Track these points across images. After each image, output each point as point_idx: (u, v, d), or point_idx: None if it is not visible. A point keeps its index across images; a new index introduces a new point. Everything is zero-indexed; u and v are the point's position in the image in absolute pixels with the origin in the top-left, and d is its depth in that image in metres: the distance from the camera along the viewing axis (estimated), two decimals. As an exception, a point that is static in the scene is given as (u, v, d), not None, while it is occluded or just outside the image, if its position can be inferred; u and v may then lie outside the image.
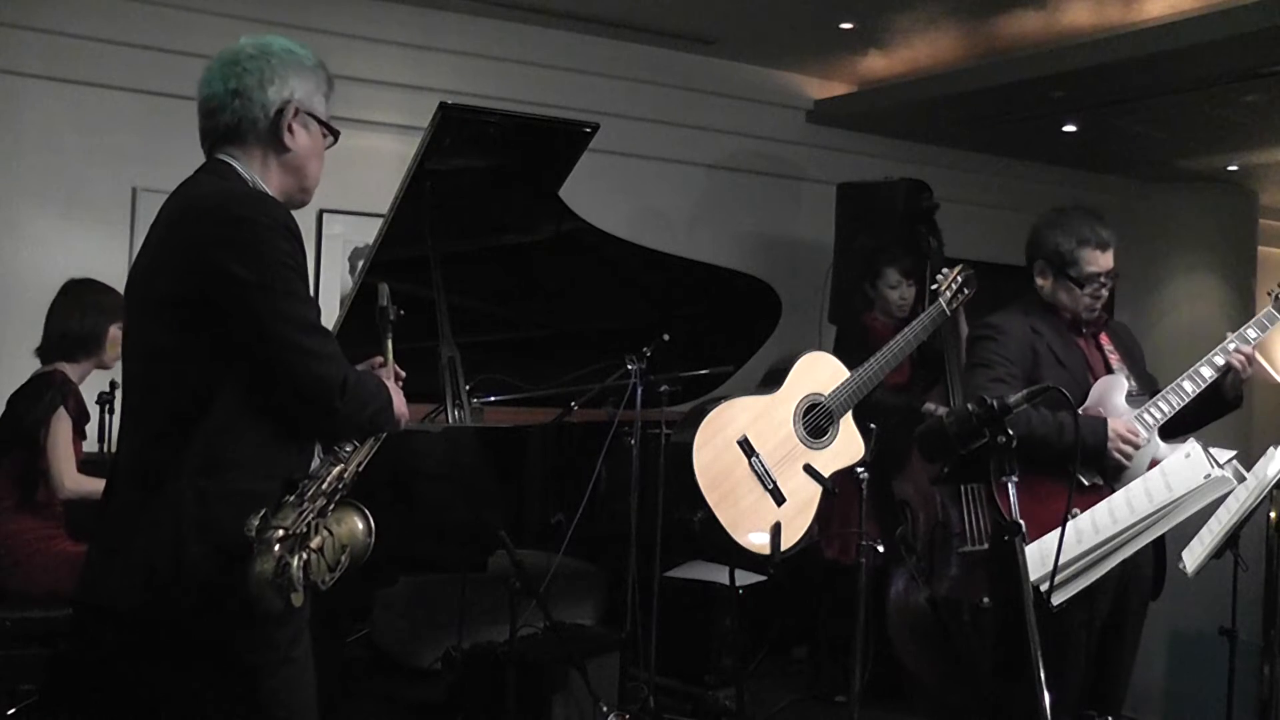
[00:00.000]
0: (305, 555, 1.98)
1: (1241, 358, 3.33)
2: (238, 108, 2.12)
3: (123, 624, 2.05)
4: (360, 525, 2.11)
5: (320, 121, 2.19)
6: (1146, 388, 3.45)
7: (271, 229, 2.03)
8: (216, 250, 2.01)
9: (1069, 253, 3.37)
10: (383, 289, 2.35)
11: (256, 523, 1.95)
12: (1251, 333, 3.38)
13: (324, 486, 2.06)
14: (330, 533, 2.05)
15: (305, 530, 2.00)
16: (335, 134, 2.24)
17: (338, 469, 2.09)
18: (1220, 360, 3.34)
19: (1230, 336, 3.38)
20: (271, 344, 2.02)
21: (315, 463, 2.15)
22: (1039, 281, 3.46)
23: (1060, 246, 3.39)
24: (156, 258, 2.12)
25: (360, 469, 2.14)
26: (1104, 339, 3.51)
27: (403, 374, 2.29)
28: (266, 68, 2.13)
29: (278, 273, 2.01)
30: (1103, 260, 3.39)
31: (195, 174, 2.17)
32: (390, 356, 2.29)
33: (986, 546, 4.23)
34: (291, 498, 2.02)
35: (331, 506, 2.07)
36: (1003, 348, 3.35)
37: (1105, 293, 3.43)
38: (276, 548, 1.95)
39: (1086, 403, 3.35)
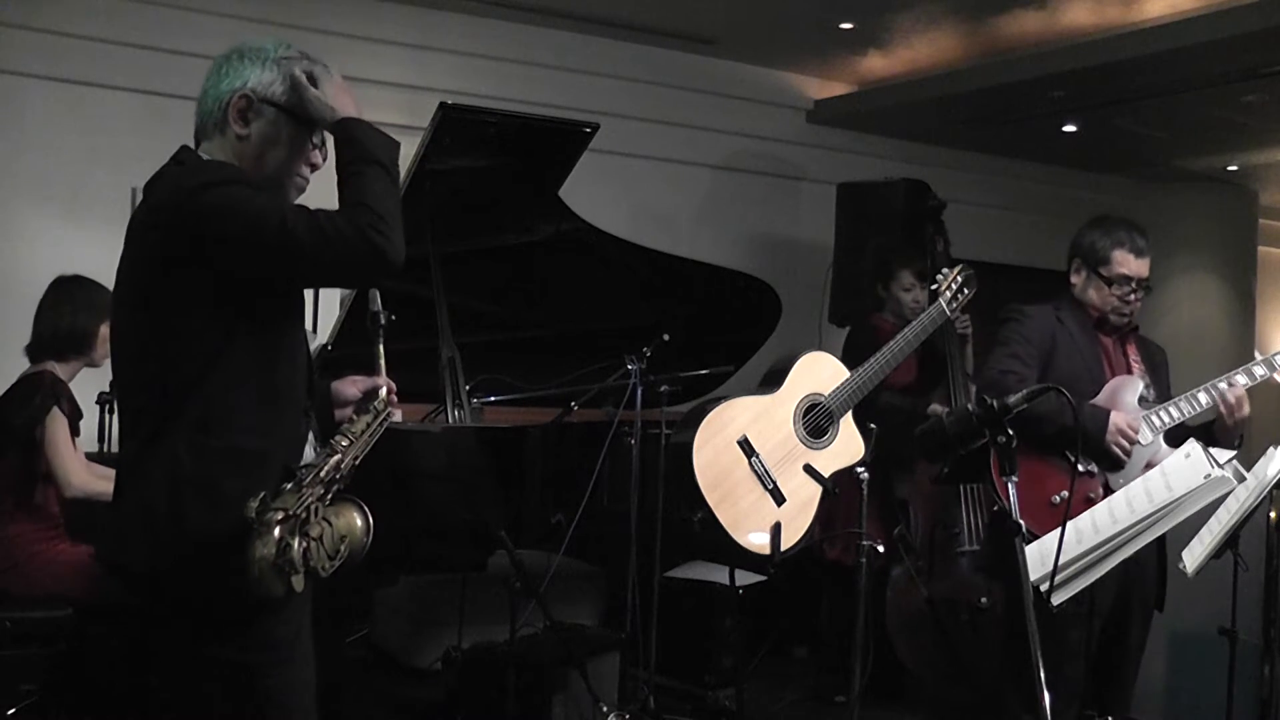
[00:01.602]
0: (305, 542, 1.98)
1: (1231, 398, 3.34)
2: (202, 106, 2.17)
3: (130, 581, 2.06)
4: (359, 521, 2.11)
5: (282, 108, 2.15)
6: (1163, 401, 3.47)
7: (224, 184, 2.04)
8: (190, 227, 2.02)
9: (1103, 250, 3.50)
10: (374, 294, 2.35)
11: (256, 505, 1.96)
12: None
13: (322, 474, 2.06)
14: (329, 524, 2.05)
15: (305, 515, 2.00)
16: (304, 119, 2.16)
17: (335, 459, 2.10)
18: (1241, 379, 3.37)
19: (1258, 359, 3.42)
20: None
21: (311, 454, 2.16)
22: (1072, 279, 3.59)
23: (1096, 244, 3.52)
24: (138, 251, 2.12)
25: (357, 462, 2.14)
26: (1131, 348, 3.55)
27: (393, 385, 2.27)
28: (226, 64, 2.16)
29: (254, 222, 2.01)
30: (1134, 264, 3.49)
31: (160, 168, 2.18)
32: (383, 362, 2.29)
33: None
34: (289, 485, 2.03)
35: (329, 496, 2.07)
36: (1023, 328, 3.50)
37: (1135, 299, 3.51)
38: (277, 530, 1.95)
39: (1097, 398, 3.39)
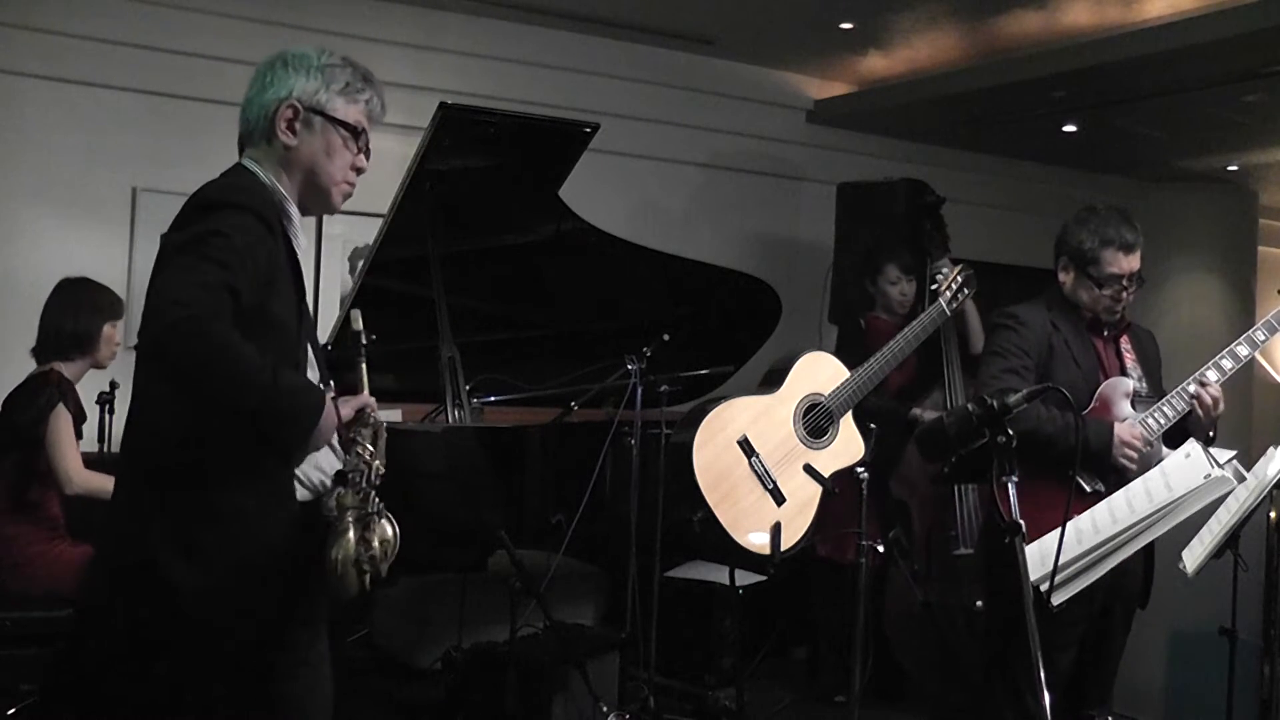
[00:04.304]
0: (375, 542, 2.04)
1: (1209, 397, 3.28)
2: (247, 115, 2.17)
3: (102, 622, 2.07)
4: (389, 529, 2.12)
5: (330, 119, 2.15)
6: (1156, 394, 3.43)
7: (221, 206, 1.99)
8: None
9: (1091, 251, 3.37)
10: (354, 314, 2.32)
11: (333, 503, 2.01)
12: (1260, 335, 3.36)
13: (370, 478, 2.10)
14: (386, 525, 2.11)
15: (371, 512, 2.04)
16: (350, 128, 2.17)
17: (375, 464, 2.12)
18: (1227, 364, 3.34)
19: (1240, 339, 3.37)
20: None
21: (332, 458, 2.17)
22: (1061, 277, 3.46)
23: (1084, 244, 3.39)
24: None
25: (378, 477, 2.14)
26: (1124, 341, 3.50)
27: (374, 402, 2.22)
28: (270, 72, 2.16)
29: (200, 242, 1.91)
30: (1124, 262, 3.37)
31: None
32: (366, 383, 2.25)
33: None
34: (343, 489, 2.06)
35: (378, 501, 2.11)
36: (1020, 338, 3.37)
37: (1127, 296, 3.41)
38: (351, 532, 2.00)
39: (1092, 407, 3.35)
